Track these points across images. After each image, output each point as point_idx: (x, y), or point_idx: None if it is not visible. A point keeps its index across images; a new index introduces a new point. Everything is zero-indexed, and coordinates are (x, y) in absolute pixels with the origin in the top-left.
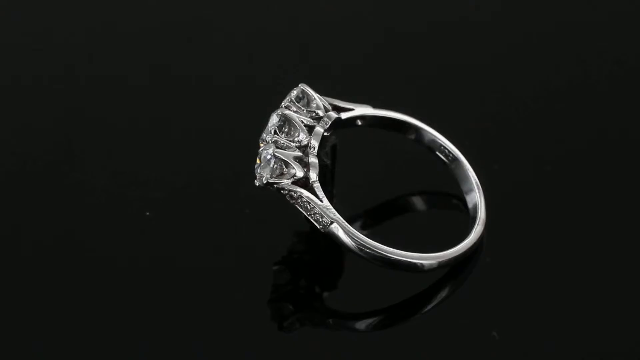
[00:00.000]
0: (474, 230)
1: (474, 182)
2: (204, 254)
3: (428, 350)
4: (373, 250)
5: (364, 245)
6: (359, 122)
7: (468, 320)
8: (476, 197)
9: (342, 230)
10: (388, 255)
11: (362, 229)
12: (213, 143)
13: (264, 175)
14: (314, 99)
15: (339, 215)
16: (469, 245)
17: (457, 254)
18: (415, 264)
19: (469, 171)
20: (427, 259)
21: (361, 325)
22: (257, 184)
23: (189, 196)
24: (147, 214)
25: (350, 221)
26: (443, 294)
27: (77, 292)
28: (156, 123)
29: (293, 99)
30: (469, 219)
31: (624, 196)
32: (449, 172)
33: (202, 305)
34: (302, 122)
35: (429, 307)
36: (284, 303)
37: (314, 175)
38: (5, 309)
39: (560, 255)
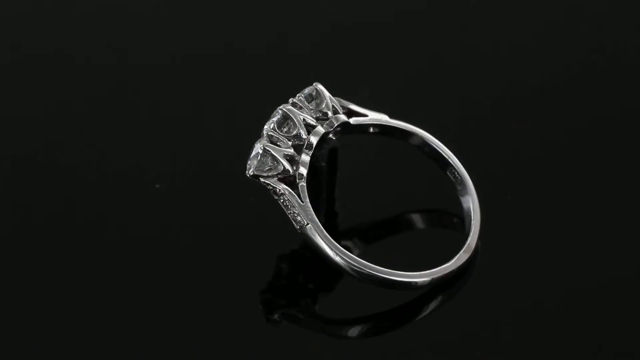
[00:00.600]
0: (457, 255)
1: (473, 205)
2: (211, 243)
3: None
4: (347, 260)
5: (338, 254)
6: (372, 130)
7: (460, 330)
8: (470, 205)
9: (318, 235)
10: (359, 266)
11: (353, 240)
12: (219, 133)
13: (251, 166)
14: (325, 99)
15: (316, 219)
16: (448, 270)
17: (433, 276)
18: (384, 278)
19: (471, 195)
20: (398, 276)
21: (346, 330)
22: (247, 174)
23: (194, 187)
24: (157, 186)
25: (345, 231)
26: (434, 304)
27: (76, 292)
28: (163, 117)
29: (303, 96)
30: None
31: (620, 221)
32: (455, 191)
33: (202, 297)
34: (305, 120)
35: (420, 316)
36: (276, 296)
37: (301, 175)
38: (4, 309)
39: (554, 268)
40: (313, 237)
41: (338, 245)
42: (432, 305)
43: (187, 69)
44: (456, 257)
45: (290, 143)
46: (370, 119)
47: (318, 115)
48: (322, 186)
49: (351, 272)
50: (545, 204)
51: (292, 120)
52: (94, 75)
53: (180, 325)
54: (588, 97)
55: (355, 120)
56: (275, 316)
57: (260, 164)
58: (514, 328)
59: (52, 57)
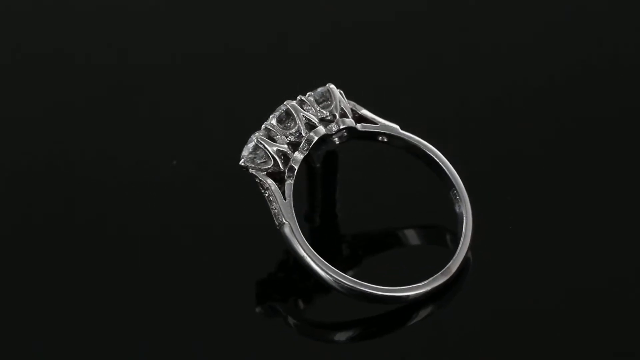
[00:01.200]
0: (433, 277)
1: (465, 231)
2: (211, 242)
3: None
4: (317, 263)
5: (309, 255)
6: (380, 138)
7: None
8: (463, 220)
9: (293, 235)
10: (326, 270)
11: (341, 247)
12: (219, 134)
13: (243, 157)
14: (335, 101)
15: (295, 219)
16: (422, 290)
17: (404, 293)
18: (348, 286)
19: (467, 224)
20: (363, 287)
21: (328, 333)
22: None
23: (194, 187)
24: (174, 162)
25: (333, 237)
26: (427, 310)
27: (76, 293)
28: (163, 117)
29: (314, 95)
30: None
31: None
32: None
33: (202, 297)
34: (307, 118)
35: (412, 322)
36: (269, 288)
37: (291, 172)
38: (4, 309)
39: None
40: (288, 236)
41: (310, 247)
42: (425, 311)
43: (187, 68)
44: (432, 278)
45: (287, 139)
46: (380, 127)
47: (324, 116)
48: (316, 187)
49: (318, 274)
50: (543, 207)
51: (292, 115)
52: (93, 75)
53: (180, 324)
54: (588, 97)
55: (363, 127)
56: (264, 309)
57: (252, 156)
58: (507, 332)
59: (52, 57)
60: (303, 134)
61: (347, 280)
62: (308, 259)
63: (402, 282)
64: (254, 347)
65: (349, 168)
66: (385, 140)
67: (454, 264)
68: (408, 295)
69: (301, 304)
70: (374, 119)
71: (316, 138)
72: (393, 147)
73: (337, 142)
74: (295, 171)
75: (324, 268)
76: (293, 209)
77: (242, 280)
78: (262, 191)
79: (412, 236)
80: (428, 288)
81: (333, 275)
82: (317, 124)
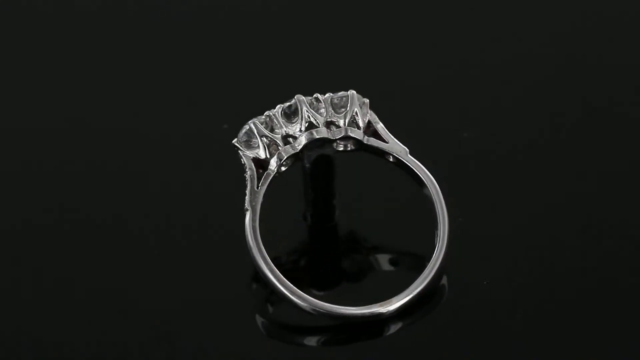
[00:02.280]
0: (370, 305)
1: (423, 274)
2: (210, 241)
3: None
4: (260, 254)
5: (257, 246)
6: (386, 157)
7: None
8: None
9: (249, 222)
10: (258, 260)
11: (314, 251)
12: (219, 133)
13: (237, 136)
14: (351, 108)
15: (257, 209)
16: (347, 312)
17: (332, 310)
18: (278, 289)
19: (431, 266)
20: (291, 292)
21: (305, 336)
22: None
23: (193, 188)
24: (225, 126)
25: (313, 242)
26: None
27: (74, 292)
28: (163, 117)
29: (332, 97)
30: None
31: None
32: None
33: (201, 295)
34: (313, 117)
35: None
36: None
37: (274, 163)
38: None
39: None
40: (245, 222)
41: (259, 240)
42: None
43: (186, 68)
44: (368, 306)
45: (285, 132)
46: (386, 147)
47: (335, 120)
48: (307, 186)
49: (257, 265)
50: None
51: (297, 110)
52: (93, 76)
53: (178, 323)
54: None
55: (369, 141)
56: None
57: (246, 138)
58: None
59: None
60: (303, 129)
61: (277, 279)
62: (254, 250)
63: (342, 302)
64: (253, 347)
65: (351, 177)
66: (391, 160)
67: (397, 299)
68: (332, 311)
69: (270, 308)
70: (386, 136)
71: (314, 138)
72: (399, 168)
73: (341, 149)
74: (280, 164)
75: (264, 260)
76: (261, 198)
77: (241, 275)
78: (244, 174)
79: (387, 259)
80: (359, 312)
81: (269, 269)
82: (320, 125)
